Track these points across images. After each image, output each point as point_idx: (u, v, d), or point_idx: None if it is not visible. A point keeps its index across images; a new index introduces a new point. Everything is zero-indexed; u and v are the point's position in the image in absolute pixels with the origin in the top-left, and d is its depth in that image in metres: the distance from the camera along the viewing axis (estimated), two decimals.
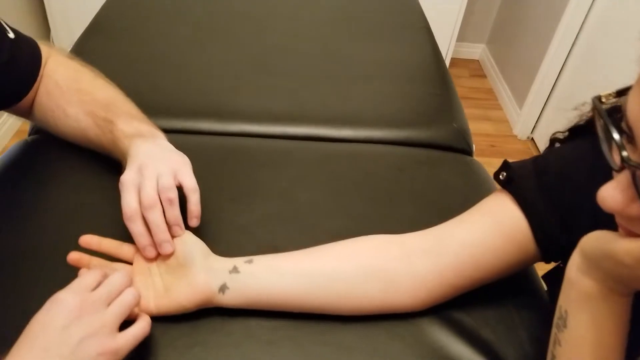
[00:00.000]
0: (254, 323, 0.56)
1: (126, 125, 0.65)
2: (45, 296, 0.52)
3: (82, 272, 0.50)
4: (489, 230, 0.52)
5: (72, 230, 0.61)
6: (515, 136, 2.16)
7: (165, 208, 0.55)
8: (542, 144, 2.04)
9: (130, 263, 0.58)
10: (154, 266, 0.56)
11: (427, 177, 0.78)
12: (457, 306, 0.57)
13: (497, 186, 0.56)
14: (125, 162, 0.61)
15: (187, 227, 0.58)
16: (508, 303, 0.59)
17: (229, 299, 0.54)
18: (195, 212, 0.58)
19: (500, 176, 0.54)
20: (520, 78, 2.17)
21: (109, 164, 0.70)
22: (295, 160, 0.80)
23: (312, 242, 0.59)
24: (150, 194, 0.55)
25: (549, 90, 1.97)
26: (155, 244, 0.55)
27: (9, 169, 0.75)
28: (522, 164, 0.54)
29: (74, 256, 0.56)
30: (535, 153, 2.07)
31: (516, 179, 0.52)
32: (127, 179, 0.57)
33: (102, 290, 0.48)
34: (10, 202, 0.69)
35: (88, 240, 0.57)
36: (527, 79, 2.07)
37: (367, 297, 0.54)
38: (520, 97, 2.15)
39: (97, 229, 0.59)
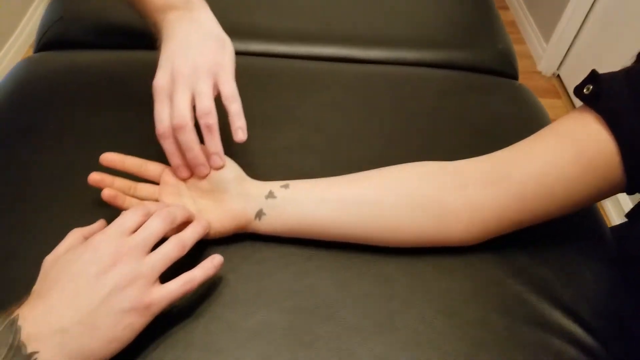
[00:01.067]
0: (287, 251, 0.51)
1: None
2: (63, 221, 0.48)
3: (123, 213, 0.45)
4: (566, 157, 0.45)
5: (90, 152, 0.56)
6: (540, 72, 2.06)
7: (204, 134, 0.48)
8: (569, 81, 1.95)
9: (157, 183, 0.53)
10: (183, 188, 0.51)
11: (472, 102, 0.71)
12: (510, 242, 0.52)
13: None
14: (160, 45, 0.52)
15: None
16: (566, 240, 0.54)
17: (265, 226, 0.50)
18: (237, 122, 0.49)
19: (585, 90, 0.46)
20: (547, 9, 2.05)
21: (127, 79, 0.63)
22: (324, 82, 0.73)
23: (347, 172, 0.53)
24: (181, 113, 0.47)
25: (580, 22, 1.85)
26: (188, 168, 0.50)
27: (14, 90, 0.69)
28: (611, 75, 0.46)
29: (95, 177, 0.50)
30: (561, 91, 1.98)
31: (605, 94, 0.44)
32: (159, 85, 0.49)
33: (140, 235, 0.42)
34: (17, 125, 0.63)
35: (110, 158, 0.52)
36: (555, 10, 1.95)
37: (416, 229, 0.49)
38: (547, 30, 2.03)
39: (117, 151, 0.53)
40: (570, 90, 1.93)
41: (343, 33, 0.81)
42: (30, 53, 0.79)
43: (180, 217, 0.46)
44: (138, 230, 0.43)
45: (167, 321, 0.45)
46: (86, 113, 0.64)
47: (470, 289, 0.50)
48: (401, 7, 0.87)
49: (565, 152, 0.45)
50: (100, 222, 0.48)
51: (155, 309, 0.41)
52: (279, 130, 0.64)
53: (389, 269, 0.51)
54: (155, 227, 0.43)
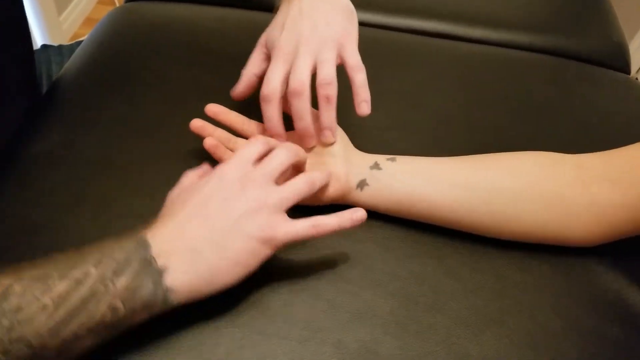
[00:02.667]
0: (389, 233, 0.48)
1: None
2: (155, 175, 0.47)
3: (245, 143, 0.44)
4: None
5: (182, 108, 0.54)
6: None
7: (320, 106, 0.46)
8: None
9: None
10: None
11: (581, 94, 0.66)
12: (632, 247, 0.48)
13: None
14: (279, 6, 0.50)
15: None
16: None
17: (366, 197, 0.47)
18: (362, 94, 0.47)
19: None
20: (634, 5, 1.93)
21: (225, 38, 0.61)
22: (423, 58, 0.69)
23: (449, 154, 0.50)
24: (301, 78, 0.44)
25: None
26: (285, 135, 0.47)
27: (104, 41, 0.67)
28: None
29: (197, 123, 0.50)
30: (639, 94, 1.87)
31: None
32: (283, 48, 0.46)
33: (267, 163, 0.41)
34: (108, 78, 0.61)
35: (216, 110, 0.51)
36: None
37: (534, 222, 0.45)
38: (632, 27, 1.91)
39: None
40: None
41: (447, 9, 0.77)
42: (122, 2, 0.78)
43: (302, 153, 0.45)
44: (264, 159, 0.42)
45: (268, 292, 0.43)
46: (179, 69, 0.62)
47: (587, 294, 0.46)
48: None
49: None
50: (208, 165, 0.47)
51: (279, 243, 0.39)
52: (375, 104, 0.61)
53: (499, 263, 0.47)
54: (282, 157, 0.42)
